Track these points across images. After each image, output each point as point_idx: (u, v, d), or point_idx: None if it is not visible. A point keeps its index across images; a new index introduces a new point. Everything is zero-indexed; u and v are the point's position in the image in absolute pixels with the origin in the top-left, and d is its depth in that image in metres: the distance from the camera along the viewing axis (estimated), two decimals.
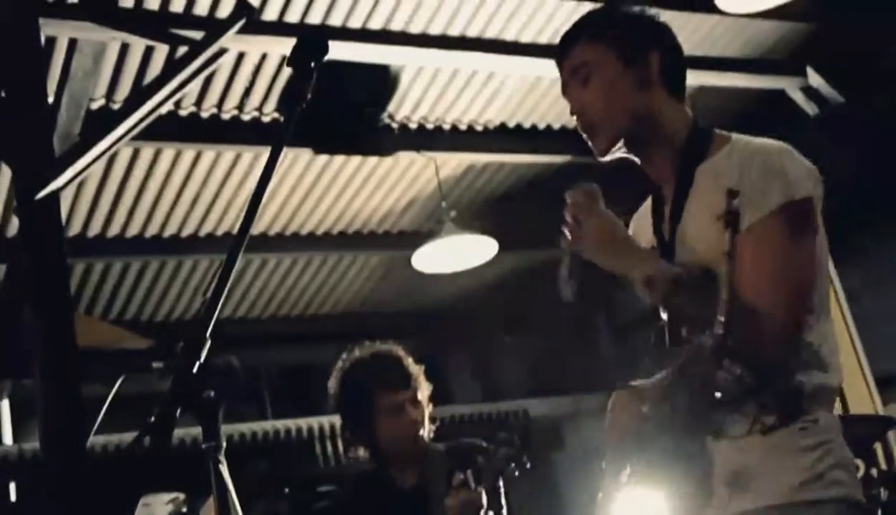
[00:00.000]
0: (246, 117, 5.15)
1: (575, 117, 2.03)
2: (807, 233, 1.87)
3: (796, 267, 1.84)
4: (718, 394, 1.72)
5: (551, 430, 7.65)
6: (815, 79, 5.54)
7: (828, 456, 1.82)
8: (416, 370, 3.23)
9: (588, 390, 7.56)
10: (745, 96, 5.70)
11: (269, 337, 7.33)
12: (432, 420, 3.23)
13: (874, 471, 3.51)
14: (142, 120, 4.05)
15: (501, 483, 2.91)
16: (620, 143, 2.00)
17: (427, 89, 5.29)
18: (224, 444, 1.55)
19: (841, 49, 5.40)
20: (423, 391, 3.22)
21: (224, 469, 1.52)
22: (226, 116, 5.12)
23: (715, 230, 1.72)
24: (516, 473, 2.91)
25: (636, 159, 2.04)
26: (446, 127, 5.65)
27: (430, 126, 5.61)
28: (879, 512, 3.37)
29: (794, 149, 1.94)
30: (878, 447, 4.24)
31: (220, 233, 6.08)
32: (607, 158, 2.02)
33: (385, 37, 4.69)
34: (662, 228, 2.00)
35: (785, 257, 1.83)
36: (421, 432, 3.16)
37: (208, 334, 1.53)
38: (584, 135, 2.02)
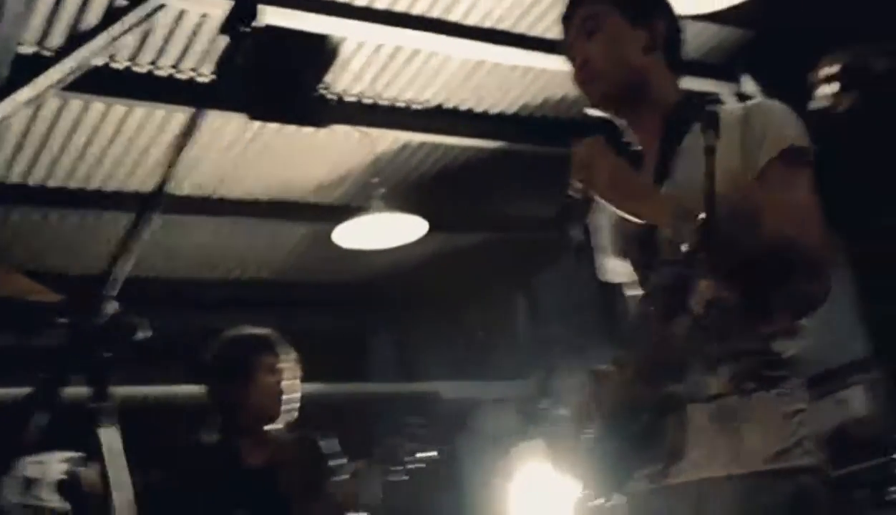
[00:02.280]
0: (182, 76, 5.06)
1: (575, 71, 2.08)
2: (812, 180, 1.91)
3: (816, 203, 1.89)
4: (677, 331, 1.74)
5: (459, 414, 7.69)
6: (748, 85, 5.62)
7: (803, 426, 1.83)
8: (292, 352, 3.43)
9: (501, 376, 7.62)
10: None
11: (186, 301, 7.23)
12: (291, 411, 3.35)
13: None
14: (74, 70, 3.96)
15: (398, 470, 3.04)
16: (611, 100, 2.06)
17: (367, 64, 5.25)
18: (114, 406, 1.48)
19: (777, 58, 5.47)
20: (295, 372, 3.38)
21: (112, 432, 1.46)
22: (161, 73, 5.02)
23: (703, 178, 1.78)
24: (418, 455, 3.03)
25: (621, 121, 2.09)
26: (384, 103, 5.62)
27: (367, 101, 5.57)
28: None
29: None
30: None
31: (146, 191, 5.96)
32: (596, 113, 2.06)
33: (329, 7, 4.64)
34: None
35: (809, 193, 1.89)
36: (285, 397, 3.30)
37: (109, 292, 1.49)
38: (581, 87, 2.06)
